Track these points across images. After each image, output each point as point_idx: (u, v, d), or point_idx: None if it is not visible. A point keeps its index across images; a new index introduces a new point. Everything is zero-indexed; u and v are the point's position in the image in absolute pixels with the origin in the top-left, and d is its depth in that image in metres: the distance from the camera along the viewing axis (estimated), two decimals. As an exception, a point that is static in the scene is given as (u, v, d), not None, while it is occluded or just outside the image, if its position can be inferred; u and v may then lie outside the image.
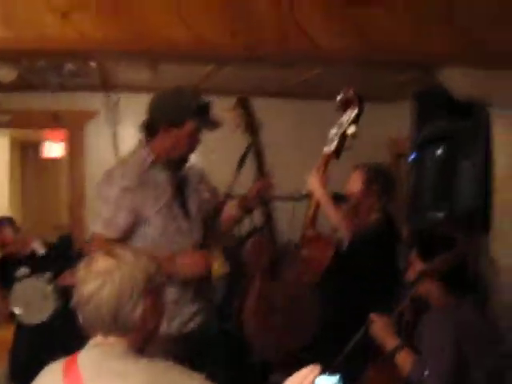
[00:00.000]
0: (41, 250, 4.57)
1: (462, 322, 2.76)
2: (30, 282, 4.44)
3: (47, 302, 4.36)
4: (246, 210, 3.23)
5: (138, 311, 1.86)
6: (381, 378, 3.01)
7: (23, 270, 4.53)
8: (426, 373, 2.69)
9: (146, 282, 1.88)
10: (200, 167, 3.25)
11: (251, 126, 3.17)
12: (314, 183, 3.55)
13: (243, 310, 3.08)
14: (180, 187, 3.03)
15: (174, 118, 2.88)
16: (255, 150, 3.19)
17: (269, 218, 3.23)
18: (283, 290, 3.14)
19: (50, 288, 4.36)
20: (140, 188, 2.87)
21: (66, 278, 4.29)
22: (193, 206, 3.05)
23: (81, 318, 1.89)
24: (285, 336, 3.17)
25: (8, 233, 4.88)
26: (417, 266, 2.93)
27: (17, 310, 4.39)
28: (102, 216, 2.86)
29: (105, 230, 2.84)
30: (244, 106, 3.17)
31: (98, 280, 1.83)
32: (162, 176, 2.95)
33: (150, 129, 2.95)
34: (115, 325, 1.85)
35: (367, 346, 2.94)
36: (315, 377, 1.52)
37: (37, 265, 4.51)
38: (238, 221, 3.31)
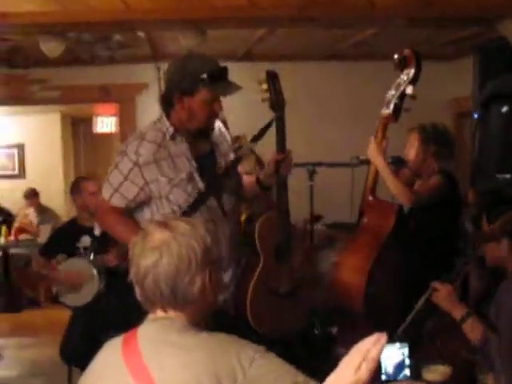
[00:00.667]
0: (97, 231, 4.59)
1: None
2: (75, 261, 4.46)
3: (91, 283, 4.38)
4: (263, 187, 3.17)
5: (198, 284, 1.85)
6: (450, 348, 2.97)
7: (86, 240, 4.55)
8: (495, 343, 2.64)
9: (203, 252, 1.86)
10: (223, 131, 3.19)
11: (276, 102, 3.08)
12: (371, 150, 3.49)
13: (242, 291, 3.05)
14: (207, 158, 3.00)
15: (185, 87, 2.83)
16: (278, 126, 3.09)
17: (282, 195, 3.15)
18: (287, 273, 3.12)
19: (94, 270, 4.38)
20: (155, 164, 2.86)
21: (112, 259, 4.29)
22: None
23: (139, 294, 1.88)
24: (282, 321, 3.15)
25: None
26: (485, 228, 2.88)
27: (59, 290, 4.41)
28: (112, 185, 2.90)
29: (113, 199, 2.90)
30: (272, 80, 3.09)
31: (155, 253, 1.82)
32: (182, 148, 2.92)
33: (167, 100, 2.93)
34: (174, 298, 1.84)
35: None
36: (383, 346, 1.48)
37: (93, 243, 4.54)
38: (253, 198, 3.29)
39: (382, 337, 1.50)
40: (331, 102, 6.07)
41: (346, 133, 5.92)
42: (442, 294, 2.92)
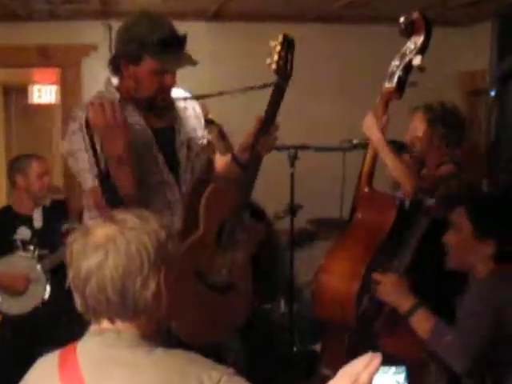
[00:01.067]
0: (38, 222, 4.55)
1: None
2: (14, 258, 4.42)
3: (35, 287, 4.35)
4: (239, 164, 3.21)
5: (151, 288, 1.82)
6: (398, 345, 3.04)
7: (25, 232, 4.50)
8: (449, 337, 2.75)
9: (157, 250, 1.84)
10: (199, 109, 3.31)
11: (284, 69, 3.18)
12: (370, 127, 3.48)
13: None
14: (164, 132, 3.09)
15: (130, 53, 2.89)
16: (276, 95, 3.18)
17: (249, 171, 3.17)
18: (225, 263, 3.11)
19: (39, 269, 4.34)
20: None
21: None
22: (181, 155, 3.11)
23: (79, 302, 1.86)
24: (214, 324, 3.15)
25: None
26: None
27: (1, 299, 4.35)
28: (84, 168, 2.88)
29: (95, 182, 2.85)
30: (288, 46, 3.21)
31: (99, 252, 1.79)
32: (134, 117, 2.99)
33: (114, 66, 3.00)
34: (123, 306, 1.81)
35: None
36: (375, 369, 1.48)
37: (33, 234, 4.50)
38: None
39: (376, 358, 1.49)
40: (319, 73, 6.04)
41: (337, 110, 5.92)
42: (386, 287, 2.98)
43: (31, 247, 4.41)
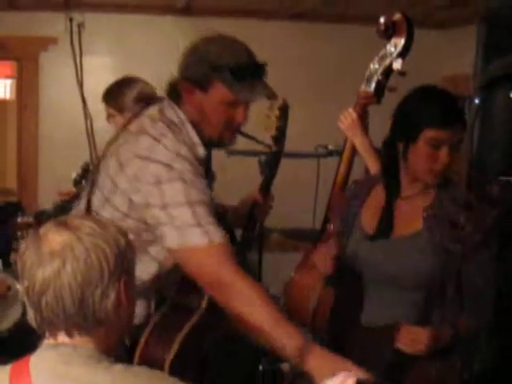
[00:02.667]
0: None
1: None
2: None
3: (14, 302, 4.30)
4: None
5: (111, 297, 1.82)
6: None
7: None
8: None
9: (117, 257, 1.83)
10: None
11: (282, 135, 3.32)
12: (350, 123, 3.48)
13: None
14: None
15: (198, 76, 2.71)
16: (274, 163, 3.32)
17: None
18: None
19: (15, 282, 4.30)
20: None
21: None
22: None
23: (32, 314, 1.84)
24: None
25: None
26: None
27: None
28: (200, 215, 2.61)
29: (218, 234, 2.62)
30: (285, 111, 3.31)
31: (56, 260, 1.77)
32: (200, 154, 2.80)
33: (174, 88, 2.83)
34: (83, 318, 1.81)
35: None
36: None
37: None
38: None
39: (350, 378, 1.50)
40: (293, 74, 6.05)
41: (312, 114, 5.93)
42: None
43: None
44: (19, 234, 4.45)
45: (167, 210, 2.56)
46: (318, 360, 2.35)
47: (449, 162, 2.69)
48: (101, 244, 1.82)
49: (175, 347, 2.85)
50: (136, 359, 2.81)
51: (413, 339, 2.67)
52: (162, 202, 2.56)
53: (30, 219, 4.56)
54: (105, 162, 2.82)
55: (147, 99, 3.17)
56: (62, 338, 1.85)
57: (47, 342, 1.87)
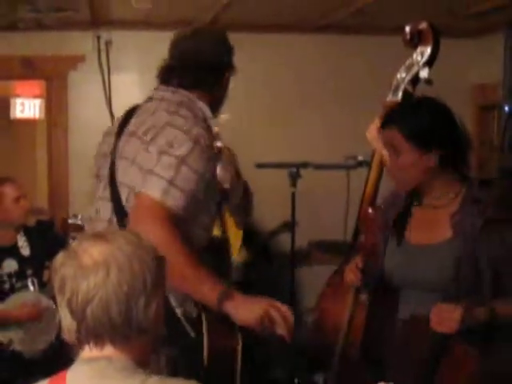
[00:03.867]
0: (26, 250, 4.53)
1: None
2: (14, 297, 4.36)
3: (49, 316, 4.31)
4: None
5: (153, 306, 1.85)
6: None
7: (12, 264, 4.46)
8: None
9: (156, 268, 1.87)
10: None
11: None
12: (377, 135, 3.47)
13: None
14: None
15: (231, 63, 3.33)
16: None
17: None
18: None
19: (45, 297, 4.31)
20: None
21: None
22: None
23: (75, 328, 1.84)
24: None
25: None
26: None
27: (13, 338, 4.28)
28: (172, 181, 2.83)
29: (167, 198, 2.80)
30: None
31: (100, 270, 1.79)
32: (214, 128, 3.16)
33: (213, 75, 3.26)
34: (128, 326, 1.83)
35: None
36: None
37: (22, 264, 4.47)
38: None
39: None
40: (321, 85, 6.08)
41: (340, 126, 5.95)
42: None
43: (29, 280, 4.41)
44: (72, 235, 4.50)
45: (162, 155, 2.82)
46: (235, 301, 2.72)
47: (389, 167, 2.85)
48: (141, 253, 1.85)
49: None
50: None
51: (444, 317, 2.68)
52: (167, 150, 2.84)
53: (79, 222, 4.58)
54: (124, 148, 3.03)
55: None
56: (95, 351, 1.85)
57: (83, 356, 1.87)
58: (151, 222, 2.70)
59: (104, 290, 1.79)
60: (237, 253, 4.56)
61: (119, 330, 1.83)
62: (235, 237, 4.49)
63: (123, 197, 2.92)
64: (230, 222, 4.00)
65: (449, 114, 2.94)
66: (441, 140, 2.87)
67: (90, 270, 1.79)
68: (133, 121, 3.07)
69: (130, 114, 3.14)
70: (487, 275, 2.79)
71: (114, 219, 2.95)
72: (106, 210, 3.00)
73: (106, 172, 3.04)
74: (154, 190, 2.76)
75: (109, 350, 1.85)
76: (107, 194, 3.00)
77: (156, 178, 2.78)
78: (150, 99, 3.18)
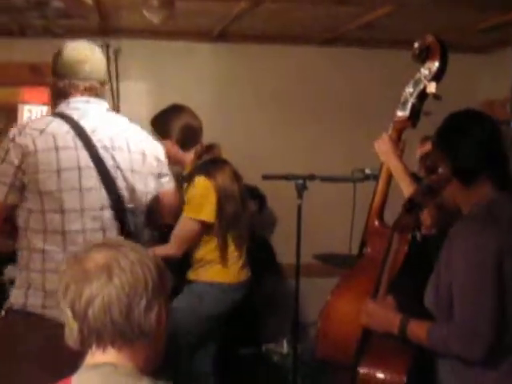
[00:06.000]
0: None
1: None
2: None
3: None
4: None
5: (155, 310, 1.88)
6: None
7: (12, 269, 4.45)
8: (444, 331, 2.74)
9: (158, 274, 1.90)
10: None
11: None
12: (385, 147, 3.49)
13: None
14: None
15: None
16: None
17: None
18: None
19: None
20: None
21: None
22: None
23: (77, 329, 1.87)
24: None
25: None
26: None
27: None
28: None
29: None
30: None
31: (103, 273, 1.84)
32: None
33: None
34: (129, 328, 1.86)
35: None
36: None
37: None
38: None
39: None
40: (330, 97, 6.11)
41: (348, 138, 5.98)
42: (370, 314, 3.07)
43: None
44: None
45: None
46: None
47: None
48: (144, 259, 1.89)
49: None
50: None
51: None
52: None
53: None
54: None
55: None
56: (100, 356, 1.88)
57: (88, 362, 1.89)
58: None
59: (106, 292, 1.83)
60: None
61: (120, 331, 1.85)
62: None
63: None
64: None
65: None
66: None
67: (93, 274, 1.84)
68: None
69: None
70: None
71: None
72: None
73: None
74: None
75: (112, 354, 1.87)
76: None
77: None
78: None
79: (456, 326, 2.73)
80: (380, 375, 3.13)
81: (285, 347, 5.15)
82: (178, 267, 4.39)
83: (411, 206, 2.96)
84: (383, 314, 3.04)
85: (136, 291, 1.85)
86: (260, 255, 4.79)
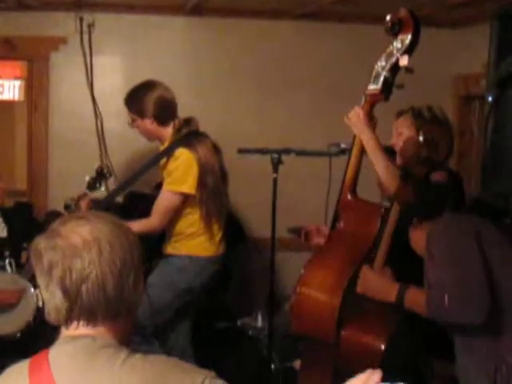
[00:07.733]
0: (2, 231, 4.54)
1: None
2: (1, 275, 4.40)
3: (26, 298, 4.31)
4: None
5: (140, 284, 1.91)
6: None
7: None
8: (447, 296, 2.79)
9: (138, 242, 1.93)
10: None
11: None
12: (357, 119, 3.50)
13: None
14: None
15: None
16: None
17: None
18: None
19: (22, 279, 4.32)
20: None
21: None
22: None
23: (67, 304, 1.85)
24: None
25: None
26: None
27: None
28: None
29: None
30: None
31: (93, 248, 1.84)
32: None
33: None
34: (121, 302, 1.88)
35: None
36: None
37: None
38: None
39: (375, 374, 1.54)
40: (305, 72, 6.11)
41: (323, 112, 5.98)
42: (368, 280, 3.16)
43: (6, 261, 4.41)
44: None
45: None
46: None
47: None
48: (125, 231, 1.92)
49: None
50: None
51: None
52: None
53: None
54: None
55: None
56: (80, 328, 1.88)
57: (65, 334, 1.90)
58: None
59: (99, 268, 1.83)
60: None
61: (113, 307, 1.87)
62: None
63: None
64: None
65: None
66: None
67: (82, 248, 1.84)
68: None
69: None
70: None
71: None
72: None
73: None
74: None
75: (91, 327, 1.88)
76: None
77: None
78: None
79: (456, 289, 2.79)
80: (360, 339, 3.20)
81: (259, 321, 5.19)
82: (152, 241, 4.43)
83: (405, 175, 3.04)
84: (381, 282, 3.09)
85: (126, 264, 1.87)
86: (229, 229, 4.82)
